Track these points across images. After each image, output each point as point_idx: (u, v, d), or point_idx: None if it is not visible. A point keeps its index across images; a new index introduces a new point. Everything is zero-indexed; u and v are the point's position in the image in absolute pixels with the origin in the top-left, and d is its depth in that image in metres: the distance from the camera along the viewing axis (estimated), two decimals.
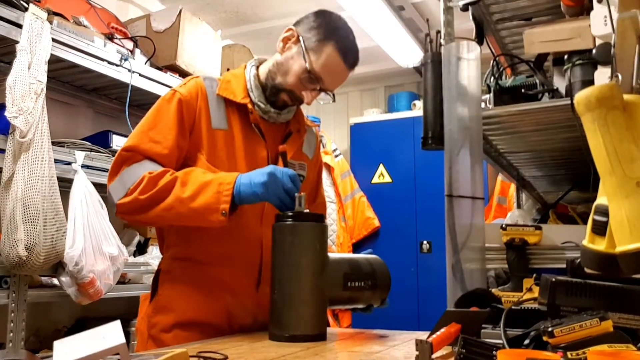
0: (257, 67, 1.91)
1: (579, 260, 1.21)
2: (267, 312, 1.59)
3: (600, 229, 1.08)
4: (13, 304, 2.56)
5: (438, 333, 1.21)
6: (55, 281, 2.75)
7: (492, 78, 2.04)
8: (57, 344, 1.00)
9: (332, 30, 1.82)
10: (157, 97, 3.43)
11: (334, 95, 1.90)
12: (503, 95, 1.96)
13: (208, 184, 1.60)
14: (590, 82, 1.66)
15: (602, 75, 1.59)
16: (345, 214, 5.70)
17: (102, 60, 3.05)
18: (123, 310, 3.73)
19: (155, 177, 1.63)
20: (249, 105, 1.81)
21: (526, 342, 1.17)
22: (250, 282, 1.79)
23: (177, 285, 1.76)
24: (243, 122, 1.82)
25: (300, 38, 1.81)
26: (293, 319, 1.52)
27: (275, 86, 1.83)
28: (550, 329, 1.05)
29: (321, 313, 1.56)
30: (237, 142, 1.81)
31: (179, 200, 1.60)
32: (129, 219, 1.73)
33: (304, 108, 2.04)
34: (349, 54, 1.83)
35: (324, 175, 5.73)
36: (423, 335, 1.23)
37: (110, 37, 3.18)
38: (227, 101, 1.82)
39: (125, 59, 3.15)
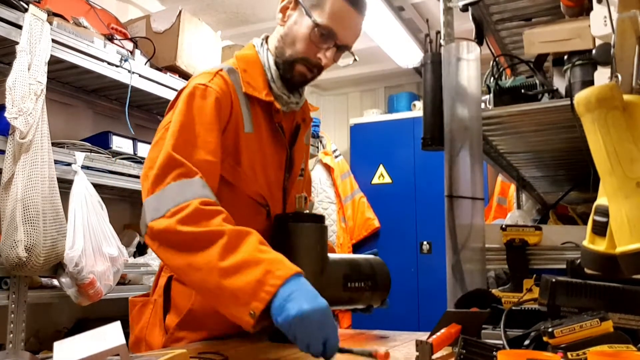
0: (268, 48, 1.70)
1: (579, 260, 1.21)
2: None
3: (601, 230, 1.08)
4: (13, 305, 2.55)
5: (438, 334, 1.21)
6: (55, 282, 2.75)
7: (492, 78, 2.04)
8: (57, 345, 1.00)
9: None
10: (157, 97, 3.49)
11: (353, 53, 1.70)
12: (503, 96, 1.96)
13: (253, 266, 1.25)
14: (590, 83, 1.66)
15: (602, 75, 1.59)
16: (345, 214, 5.70)
17: (102, 61, 3.04)
18: (123, 311, 3.70)
19: (206, 214, 1.34)
20: (276, 104, 1.62)
21: (526, 342, 1.17)
22: None
23: (198, 296, 1.54)
24: (267, 121, 1.64)
25: (299, 1, 1.63)
26: None
27: (287, 60, 1.63)
28: (550, 330, 1.05)
29: None
30: (263, 147, 1.63)
31: (211, 267, 1.27)
32: (156, 250, 1.39)
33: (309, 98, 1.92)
34: None
35: (324, 176, 5.73)
36: (423, 335, 1.23)
37: (110, 38, 3.17)
38: (250, 97, 1.61)
39: (125, 60, 3.15)
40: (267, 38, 1.75)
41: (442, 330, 1.23)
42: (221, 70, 1.59)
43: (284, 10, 1.69)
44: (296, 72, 1.64)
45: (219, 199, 1.43)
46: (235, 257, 1.26)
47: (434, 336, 1.19)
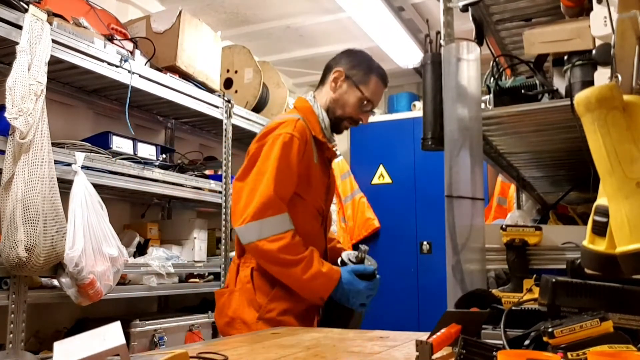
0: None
1: (579, 260, 1.21)
2: None
3: (601, 230, 1.08)
4: (13, 305, 2.55)
5: (438, 334, 1.21)
6: (55, 282, 2.74)
7: (492, 79, 2.04)
8: (57, 345, 1.00)
9: (368, 62, 2.40)
10: (157, 98, 3.49)
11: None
12: (503, 96, 1.96)
13: (320, 277, 2.13)
14: (590, 83, 1.66)
15: (602, 75, 1.59)
16: (345, 214, 5.70)
17: (102, 61, 3.04)
18: (123, 311, 3.74)
19: (294, 247, 2.11)
20: (329, 144, 2.36)
21: (526, 342, 1.17)
22: None
23: (277, 281, 2.18)
24: (320, 154, 2.33)
25: (348, 76, 2.35)
26: None
27: (337, 117, 2.37)
28: (550, 330, 1.05)
29: None
30: (320, 174, 2.33)
31: (297, 278, 2.11)
32: (258, 259, 2.18)
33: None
34: (385, 79, 2.42)
35: None
36: (423, 335, 1.23)
37: (110, 38, 3.17)
38: (314, 138, 2.30)
39: (125, 60, 3.15)
40: (314, 95, 2.42)
41: (442, 330, 1.23)
42: (298, 119, 2.24)
43: (335, 80, 2.37)
44: (342, 126, 2.42)
45: (295, 208, 2.17)
46: (310, 272, 2.10)
47: (434, 336, 1.19)
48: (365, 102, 2.36)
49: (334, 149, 2.43)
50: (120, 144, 3.22)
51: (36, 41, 2.57)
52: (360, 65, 2.38)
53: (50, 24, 2.71)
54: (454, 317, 1.29)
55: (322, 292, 2.15)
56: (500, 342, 1.18)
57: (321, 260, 2.16)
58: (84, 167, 2.84)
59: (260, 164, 2.17)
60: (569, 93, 1.76)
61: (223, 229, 3.97)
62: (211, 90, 3.87)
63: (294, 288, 2.15)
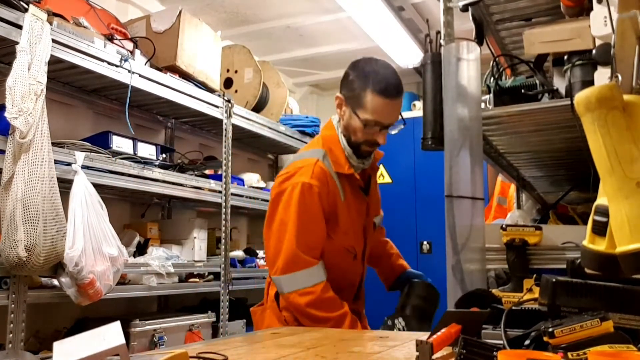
0: None
1: (579, 260, 1.21)
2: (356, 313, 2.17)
3: (601, 230, 1.08)
4: (13, 305, 2.55)
5: (438, 333, 1.21)
6: (55, 282, 2.74)
7: (492, 78, 2.04)
8: (57, 344, 1.00)
9: (364, 78, 2.11)
10: (157, 97, 3.49)
11: (403, 120, 2.23)
12: (503, 96, 1.96)
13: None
14: (590, 83, 1.66)
15: (602, 75, 1.59)
16: None
17: (102, 61, 3.04)
18: (123, 311, 3.74)
19: (328, 302, 2.04)
20: (356, 175, 2.17)
21: (527, 342, 1.17)
22: (350, 296, 2.26)
23: None
24: (351, 186, 2.18)
25: (347, 101, 2.14)
26: None
27: (354, 144, 2.16)
28: (550, 330, 1.05)
29: None
30: (351, 207, 2.18)
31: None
32: (287, 308, 2.13)
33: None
34: (388, 88, 2.10)
35: None
36: (423, 335, 1.23)
37: (110, 38, 3.17)
38: (338, 173, 2.15)
39: (125, 60, 3.15)
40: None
41: (443, 330, 1.23)
42: (317, 160, 2.11)
43: (338, 107, 2.20)
44: (362, 150, 2.17)
45: (323, 249, 2.10)
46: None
47: (434, 336, 1.19)
48: (369, 126, 2.11)
49: (364, 167, 2.24)
50: (120, 143, 3.22)
51: (36, 41, 2.57)
52: (354, 82, 2.13)
53: (50, 23, 2.71)
54: (454, 317, 1.29)
55: None
56: (501, 342, 1.18)
57: (354, 324, 2.07)
58: (84, 167, 2.84)
59: (281, 212, 2.09)
60: (569, 93, 1.76)
61: (223, 228, 3.97)
62: (211, 90, 3.87)
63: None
